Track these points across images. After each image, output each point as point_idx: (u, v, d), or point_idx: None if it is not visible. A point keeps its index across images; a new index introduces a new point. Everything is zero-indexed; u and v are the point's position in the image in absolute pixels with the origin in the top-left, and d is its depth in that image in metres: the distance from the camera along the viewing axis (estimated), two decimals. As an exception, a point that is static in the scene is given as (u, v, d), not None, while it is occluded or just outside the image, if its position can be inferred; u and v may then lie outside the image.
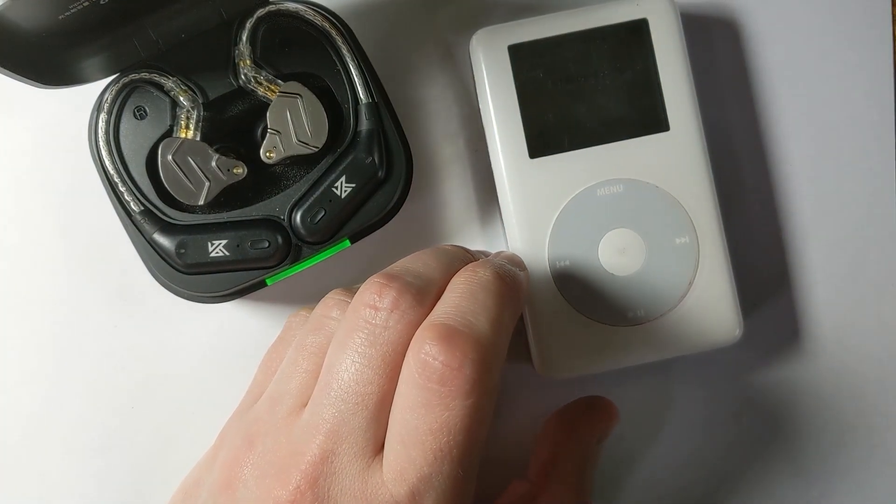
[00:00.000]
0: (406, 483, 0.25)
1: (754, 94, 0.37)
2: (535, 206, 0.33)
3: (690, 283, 0.33)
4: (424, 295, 0.27)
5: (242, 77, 0.32)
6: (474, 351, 0.25)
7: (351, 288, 0.29)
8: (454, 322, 0.25)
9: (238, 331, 0.36)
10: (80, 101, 0.34)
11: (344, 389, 0.26)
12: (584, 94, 0.34)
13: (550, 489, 0.32)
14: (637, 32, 0.34)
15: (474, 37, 0.34)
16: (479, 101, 0.34)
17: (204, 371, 0.36)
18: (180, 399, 0.36)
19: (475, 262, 0.28)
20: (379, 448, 0.26)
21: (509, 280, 0.28)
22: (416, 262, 0.28)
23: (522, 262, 0.32)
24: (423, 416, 0.25)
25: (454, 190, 0.36)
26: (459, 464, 0.25)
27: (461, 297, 0.26)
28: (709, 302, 0.33)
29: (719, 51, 0.37)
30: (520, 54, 0.33)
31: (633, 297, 0.33)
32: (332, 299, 0.29)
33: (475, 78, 0.34)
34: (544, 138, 0.33)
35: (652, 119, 0.33)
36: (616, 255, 0.33)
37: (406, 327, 0.26)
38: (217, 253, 0.32)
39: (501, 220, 0.34)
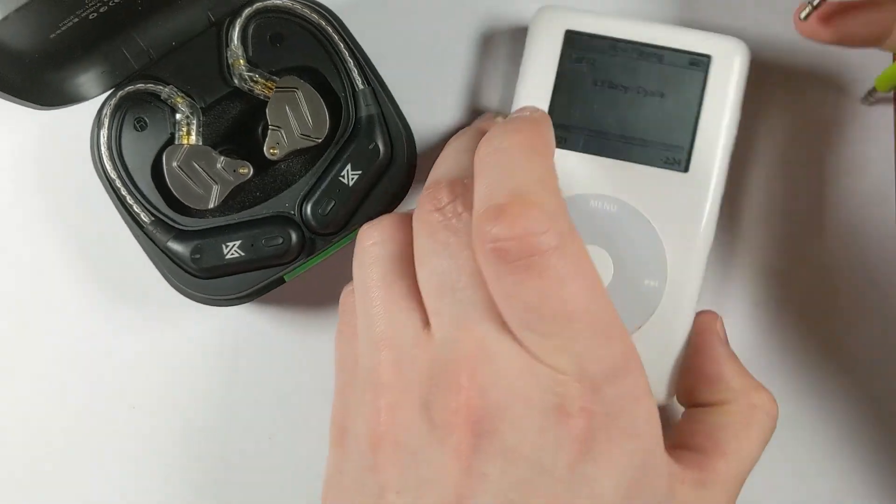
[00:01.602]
0: (557, 354, 0.24)
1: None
2: None
3: (637, 328, 0.32)
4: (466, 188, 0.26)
5: (237, 78, 0.32)
6: (531, 208, 0.24)
7: (380, 217, 0.29)
8: (498, 198, 0.25)
9: (252, 331, 0.36)
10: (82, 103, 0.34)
11: (454, 284, 0.25)
12: (619, 104, 0.32)
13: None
14: (696, 66, 0.32)
15: (540, 9, 0.33)
16: (520, 72, 0.33)
17: (225, 373, 0.36)
18: (198, 402, 0.36)
19: (486, 135, 0.27)
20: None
21: (524, 126, 0.27)
22: (446, 162, 0.28)
23: (533, 107, 0.30)
24: (528, 293, 0.24)
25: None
26: (591, 314, 0.24)
27: (490, 171, 0.26)
28: (647, 354, 0.31)
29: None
30: (574, 42, 0.32)
31: None
32: (362, 231, 0.28)
33: (525, 46, 0.33)
34: (563, 130, 0.32)
35: (675, 155, 0.32)
36: None
37: (465, 221, 0.26)
38: (232, 254, 0.32)
39: None
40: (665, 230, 0.32)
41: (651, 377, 0.31)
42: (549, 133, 0.28)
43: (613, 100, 0.32)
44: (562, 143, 0.32)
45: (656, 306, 0.32)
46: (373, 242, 0.28)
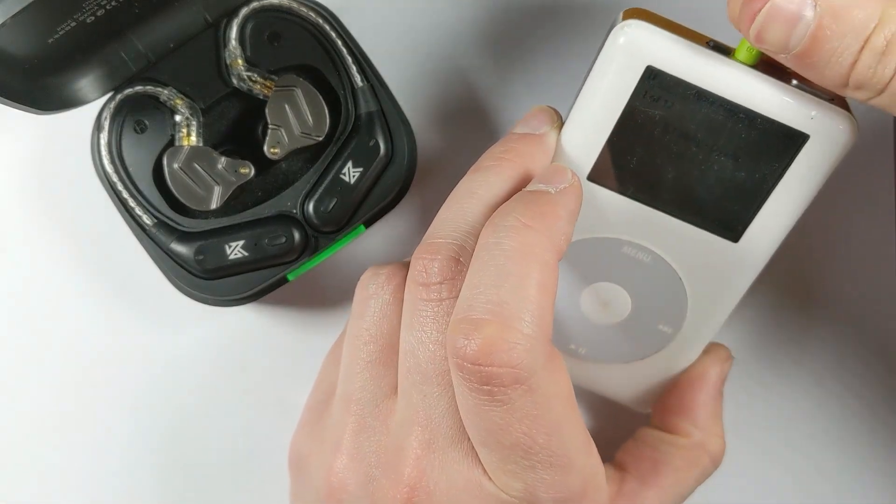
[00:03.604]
0: (509, 479, 0.24)
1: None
2: None
3: (640, 359, 0.32)
4: (471, 252, 0.25)
5: (236, 78, 0.32)
6: (505, 336, 0.23)
7: (384, 265, 0.29)
8: (478, 311, 0.23)
9: (255, 331, 0.36)
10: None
11: (424, 370, 0.25)
12: (685, 158, 0.28)
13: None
14: (788, 142, 0.27)
15: (624, 25, 0.27)
16: (581, 89, 0.28)
17: (229, 373, 0.36)
18: (193, 401, 0.36)
19: (496, 215, 0.26)
20: None
21: (537, 222, 0.25)
22: (454, 212, 0.26)
23: (565, 172, 0.27)
24: (488, 419, 0.23)
25: (461, 168, 0.36)
26: (550, 450, 0.24)
27: (481, 274, 0.24)
28: (644, 379, 0.32)
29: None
30: (654, 77, 0.27)
31: (582, 337, 0.31)
32: (365, 276, 0.29)
33: (596, 63, 0.28)
34: (614, 170, 0.28)
35: (729, 223, 0.29)
36: (598, 303, 0.31)
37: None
38: (235, 255, 0.32)
39: None
40: (695, 290, 0.30)
41: (642, 397, 0.32)
42: (570, 220, 0.26)
43: (682, 152, 0.28)
44: (607, 182, 0.29)
45: (663, 347, 0.31)
46: (371, 294, 0.28)
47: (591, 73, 0.28)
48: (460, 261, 0.25)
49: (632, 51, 0.27)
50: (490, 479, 0.25)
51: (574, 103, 0.29)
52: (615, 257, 0.30)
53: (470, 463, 0.25)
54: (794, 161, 0.27)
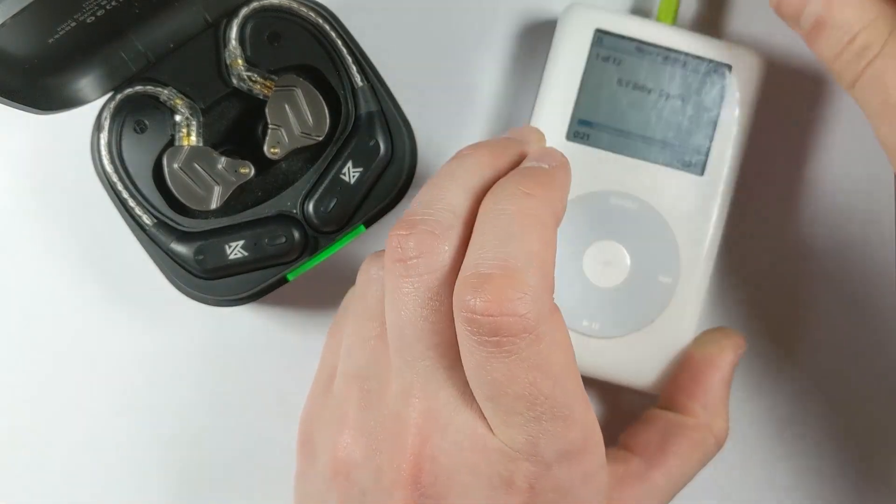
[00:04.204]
0: (513, 432, 0.25)
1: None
2: None
3: (650, 322, 0.33)
4: (448, 227, 0.26)
5: (236, 78, 0.32)
6: (514, 286, 0.24)
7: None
8: (485, 267, 0.24)
9: (255, 331, 0.36)
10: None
11: (412, 347, 0.25)
12: (643, 105, 0.33)
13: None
14: (716, 75, 0.33)
15: (570, 6, 0.33)
16: (545, 65, 0.34)
17: (228, 373, 0.36)
18: (192, 401, 0.36)
19: (496, 186, 0.27)
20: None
21: (536, 190, 0.26)
22: (431, 193, 0.27)
23: (555, 152, 0.29)
24: (495, 370, 0.24)
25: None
26: (554, 400, 0.24)
27: (486, 235, 0.25)
28: (658, 347, 0.33)
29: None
30: (603, 41, 0.33)
31: (593, 309, 0.33)
32: (367, 261, 0.29)
33: (552, 42, 0.34)
34: (588, 127, 0.33)
35: (692, 159, 0.33)
36: (600, 265, 0.33)
37: (441, 266, 0.25)
38: (235, 255, 0.32)
39: None
40: (679, 229, 0.33)
41: (658, 370, 0.33)
42: (563, 191, 0.28)
43: (637, 101, 0.33)
44: (585, 139, 0.33)
45: (669, 302, 0.33)
46: (373, 277, 0.28)
47: (552, 50, 0.34)
48: (436, 234, 0.25)
49: (581, 20, 0.33)
50: (494, 434, 0.25)
51: (542, 80, 0.34)
52: (605, 210, 0.33)
53: (474, 423, 0.25)
54: (726, 89, 0.33)
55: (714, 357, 0.32)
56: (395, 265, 0.25)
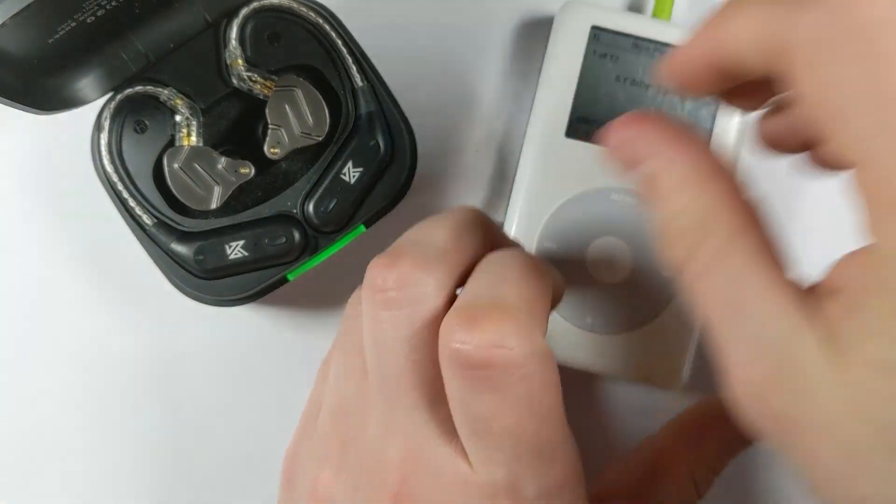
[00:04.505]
0: (495, 469, 0.24)
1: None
2: (550, 183, 0.33)
3: (655, 318, 0.33)
4: (434, 263, 0.25)
5: (236, 78, 0.32)
6: (506, 321, 0.23)
7: None
8: (478, 300, 0.24)
9: (254, 331, 0.36)
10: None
11: (393, 383, 0.25)
12: (642, 101, 0.34)
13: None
14: None
15: (566, 4, 0.34)
16: (543, 63, 0.34)
17: (227, 373, 0.36)
18: (193, 400, 0.36)
19: (501, 249, 0.27)
20: (455, 430, 0.25)
21: (539, 262, 0.26)
22: (420, 233, 0.26)
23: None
24: (482, 404, 0.23)
25: (461, 168, 0.36)
26: (539, 438, 0.24)
27: (482, 278, 0.25)
28: (664, 344, 0.33)
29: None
30: (600, 38, 0.33)
31: (596, 305, 0.33)
32: (354, 296, 0.28)
33: (549, 40, 0.34)
34: (587, 124, 0.33)
35: None
36: (602, 261, 0.33)
37: (425, 299, 0.24)
38: (235, 255, 0.32)
39: (511, 188, 0.34)
40: None
41: (666, 367, 0.33)
42: (553, 287, 0.27)
43: (635, 96, 0.34)
44: (585, 136, 0.34)
45: (672, 297, 0.33)
46: (359, 313, 0.27)
47: (549, 47, 0.34)
48: (420, 267, 0.25)
49: (577, 18, 0.33)
50: (474, 470, 0.25)
51: (540, 78, 0.34)
52: (606, 208, 0.33)
53: (454, 459, 0.25)
54: None
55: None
56: (374, 296, 0.25)
